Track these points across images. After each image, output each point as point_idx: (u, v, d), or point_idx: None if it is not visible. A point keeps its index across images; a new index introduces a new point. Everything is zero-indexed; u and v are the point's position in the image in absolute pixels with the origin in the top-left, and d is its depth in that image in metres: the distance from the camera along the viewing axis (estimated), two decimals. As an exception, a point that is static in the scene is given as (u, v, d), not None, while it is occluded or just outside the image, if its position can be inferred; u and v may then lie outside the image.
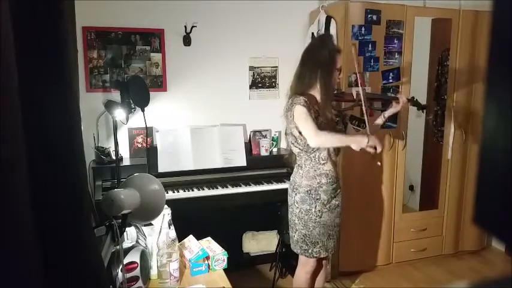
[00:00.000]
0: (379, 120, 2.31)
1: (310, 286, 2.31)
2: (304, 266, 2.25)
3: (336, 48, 2.12)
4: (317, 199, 2.11)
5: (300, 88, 2.10)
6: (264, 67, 3.34)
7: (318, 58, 2.05)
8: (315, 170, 2.10)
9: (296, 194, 2.15)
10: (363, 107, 2.08)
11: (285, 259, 3.05)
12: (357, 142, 1.96)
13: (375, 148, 1.95)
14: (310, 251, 2.16)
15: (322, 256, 2.21)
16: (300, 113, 2.01)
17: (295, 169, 2.20)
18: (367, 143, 1.94)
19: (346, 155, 2.70)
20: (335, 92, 2.17)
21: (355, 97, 2.27)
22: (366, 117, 2.08)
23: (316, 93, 2.09)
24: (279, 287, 3.01)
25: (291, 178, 2.22)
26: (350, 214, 2.84)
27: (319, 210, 2.11)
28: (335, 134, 2.01)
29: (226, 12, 3.17)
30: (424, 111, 2.48)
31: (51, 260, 0.67)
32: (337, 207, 2.20)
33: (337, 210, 2.20)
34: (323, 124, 2.04)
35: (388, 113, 2.27)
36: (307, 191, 2.11)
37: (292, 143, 2.14)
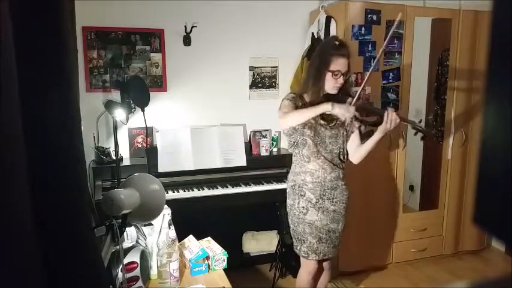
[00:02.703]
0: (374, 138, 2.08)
1: (311, 287, 2.30)
2: (305, 266, 2.25)
3: (338, 52, 1.98)
4: (301, 195, 2.13)
5: (296, 87, 2.14)
6: (264, 67, 3.34)
7: (313, 58, 2.10)
8: (300, 167, 2.14)
9: (287, 188, 2.25)
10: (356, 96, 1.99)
11: (285, 259, 3.05)
12: (321, 108, 1.89)
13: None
14: (299, 247, 2.19)
15: (311, 258, 2.16)
16: (284, 104, 2.07)
17: None
18: (331, 109, 1.86)
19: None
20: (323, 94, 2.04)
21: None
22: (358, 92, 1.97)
23: (307, 96, 2.08)
24: (279, 287, 3.01)
25: None
26: (350, 214, 2.83)
27: (304, 207, 2.12)
28: (300, 110, 1.96)
29: (226, 12, 3.17)
30: (423, 139, 2.03)
31: (51, 260, 0.67)
32: (334, 212, 2.15)
33: (333, 216, 2.15)
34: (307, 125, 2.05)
35: (377, 136, 2.04)
36: (292, 186, 2.18)
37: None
